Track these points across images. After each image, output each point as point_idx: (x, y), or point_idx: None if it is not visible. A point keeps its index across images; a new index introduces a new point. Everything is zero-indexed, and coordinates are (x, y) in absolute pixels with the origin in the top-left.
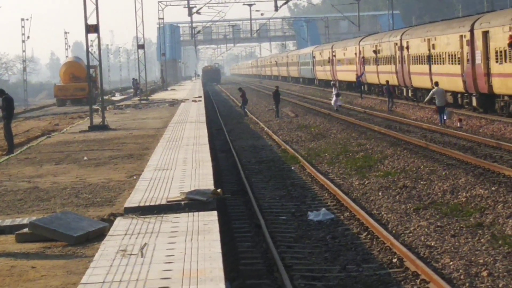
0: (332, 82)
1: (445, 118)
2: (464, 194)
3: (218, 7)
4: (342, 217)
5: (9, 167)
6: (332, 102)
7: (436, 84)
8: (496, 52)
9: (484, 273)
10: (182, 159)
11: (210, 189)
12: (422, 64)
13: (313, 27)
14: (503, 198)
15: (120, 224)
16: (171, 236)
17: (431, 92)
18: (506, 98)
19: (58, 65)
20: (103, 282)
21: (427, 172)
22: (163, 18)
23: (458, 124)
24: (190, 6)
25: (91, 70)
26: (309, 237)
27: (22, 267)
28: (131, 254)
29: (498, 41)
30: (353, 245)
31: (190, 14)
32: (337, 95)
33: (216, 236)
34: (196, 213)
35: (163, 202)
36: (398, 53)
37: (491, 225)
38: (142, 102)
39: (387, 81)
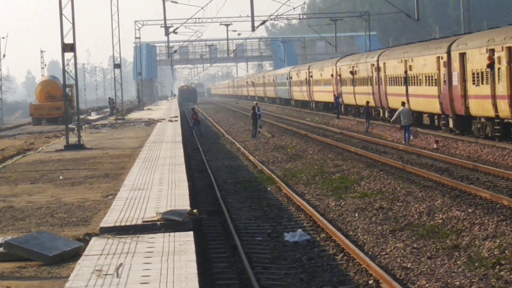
0: (255, 102)
1: (410, 137)
2: (440, 215)
3: (195, 27)
4: (318, 238)
5: None
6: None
7: (403, 104)
8: (473, 74)
9: None
10: (158, 179)
11: (186, 210)
12: (398, 85)
13: (290, 48)
14: (479, 220)
15: (95, 244)
16: (147, 257)
17: (397, 112)
18: (482, 120)
19: (34, 84)
20: None
21: (404, 193)
22: (139, 38)
23: (435, 146)
24: (167, 25)
25: (67, 89)
26: (285, 258)
27: None
28: (106, 274)
29: (475, 63)
30: (329, 267)
31: (167, 33)
32: (259, 116)
33: (192, 256)
34: (172, 234)
35: (139, 222)
36: (375, 74)
37: (467, 247)
38: (118, 121)
39: (368, 102)
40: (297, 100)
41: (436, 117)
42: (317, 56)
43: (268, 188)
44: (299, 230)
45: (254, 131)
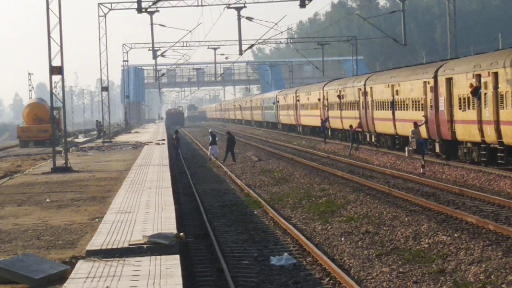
0: (210, 130)
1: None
2: (426, 240)
3: (182, 50)
4: (304, 262)
5: None
6: (209, 152)
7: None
8: (460, 99)
9: None
10: (145, 202)
11: (172, 233)
12: (385, 109)
13: (277, 71)
14: (465, 245)
15: (82, 267)
16: (133, 280)
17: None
18: (469, 145)
19: (22, 106)
20: None
21: (390, 217)
22: (127, 61)
23: (421, 170)
24: (155, 49)
25: (55, 112)
26: (271, 282)
27: None
28: None
29: (461, 88)
30: None
31: (155, 57)
32: (211, 143)
33: (178, 280)
34: (158, 257)
35: (126, 245)
36: (362, 98)
37: (453, 271)
38: (105, 144)
39: (351, 126)
40: (284, 124)
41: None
42: (304, 80)
43: (255, 212)
44: (285, 254)
45: (228, 156)
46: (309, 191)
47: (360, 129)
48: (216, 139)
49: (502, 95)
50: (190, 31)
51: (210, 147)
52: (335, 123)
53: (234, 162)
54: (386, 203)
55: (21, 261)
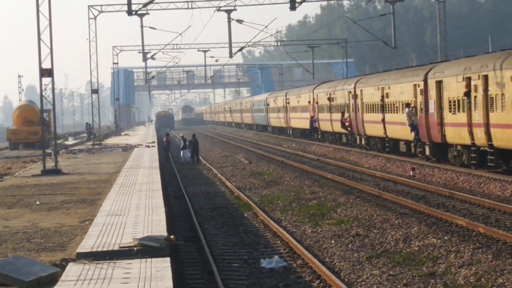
0: (181, 134)
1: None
2: (416, 243)
3: (172, 53)
4: (294, 264)
5: None
6: (182, 155)
7: (408, 105)
8: (450, 102)
9: None
10: (135, 205)
11: (163, 235)
12: (375, 112)
13: (267, 74)
14: (455, 248)
15: (72, 269)
16: (124, 283)
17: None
18: (459, 147)
19: (11, 109)
20: None
21: (380, 220)
22: (117, 63)
23: (411, 173)
24: (145, 51)
25: (45, 114)
26: (262, 284)
27: None
28: None
29: (451, 91)
30: None
31: (145, 59)
32: (183, 147)
33: (169, 282)
34: (148, 259)
35: (116, 247)
36: (352, 101)
37: (443, 274)
38: (95, 146)
39: (343, 113)
40: (274, 126)
41: (412, 144)
42: (295, 82)
43: (245, 215)
44: (276, 256)
45: (196, 158)
46: (299, 193)
47: (349, 130)
48: (187, 143)
49: (492, 98)
50: (180, 34)
51: (182, 151)
52: (325, 126)
53: (194, 163)
54: (376, 205)
55: (11, 264)
